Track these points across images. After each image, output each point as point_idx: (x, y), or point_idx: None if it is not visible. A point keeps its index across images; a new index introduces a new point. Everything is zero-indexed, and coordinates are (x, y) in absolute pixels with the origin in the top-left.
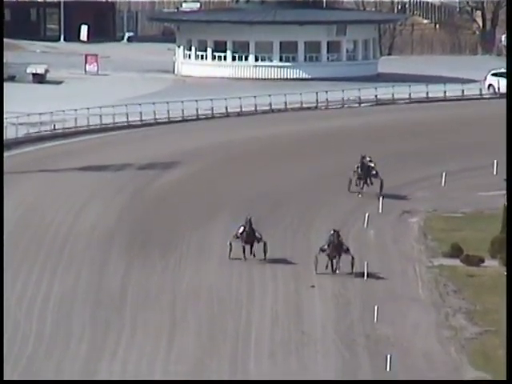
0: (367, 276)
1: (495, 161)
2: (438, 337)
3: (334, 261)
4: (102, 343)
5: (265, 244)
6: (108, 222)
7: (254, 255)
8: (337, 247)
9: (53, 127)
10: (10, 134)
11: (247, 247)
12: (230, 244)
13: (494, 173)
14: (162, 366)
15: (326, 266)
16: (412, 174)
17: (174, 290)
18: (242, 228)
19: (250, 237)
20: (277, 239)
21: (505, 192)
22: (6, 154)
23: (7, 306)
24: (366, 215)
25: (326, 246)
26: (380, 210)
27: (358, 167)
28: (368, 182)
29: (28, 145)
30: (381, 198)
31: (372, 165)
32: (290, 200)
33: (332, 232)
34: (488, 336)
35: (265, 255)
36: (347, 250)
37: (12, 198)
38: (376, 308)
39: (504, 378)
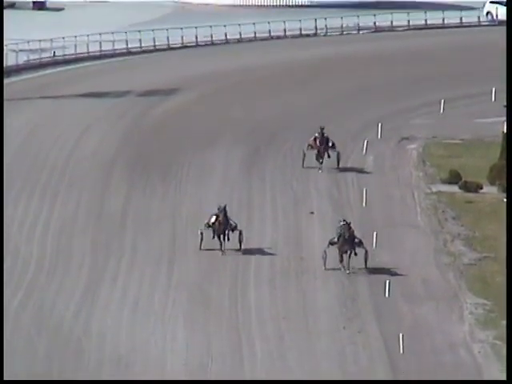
0: (366, 203)
1: (493, 88)
2: (436, 263)
3: (345, 256)
4: (102, 268)
5: (240, 233)
6: (109, 148)
7: (228, 238)
8: (348, 240)
9: (53, 54)
10: (10, 60)
11: (221, 237)
12: (201, 233)
13: (493, 99)
14: (162, 291)
15: (341, 261)
16: (411, 100)
17: (174, 214)
18: (214, 217)
19: (223, 226)
20: (277, 166)
21: (503, 119)
22: (6, 81)
23: (8, 232)
24: (365, 141)
25: (335, 239)
26: (379, 137)
27: (315, 140)
28: (327, 154)
29: (28, 72)
30: (379, 125)
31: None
32: (290, 127)
33: (342, 223)
34: (486, 262)
35: (240, 245)
36: (360, 243)
37: (13, 125)
38: (375, 234)
39: (502, 302)
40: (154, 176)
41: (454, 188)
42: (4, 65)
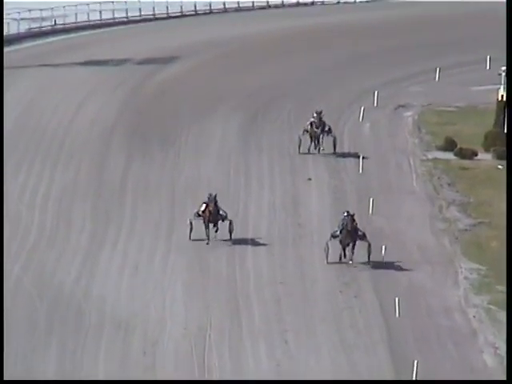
0: (362, 170)
1: (488, 56)
2: (432, 229)
3: (348, 249)
4: (102, 234)
5: (230, 223)
6: (108, 116)
7: (216, 230)
8: (351, 233)
9: (53, 23)
10: (11, 29)
11: (210, 227)
12: (191, 223)
13: (487, 68)
14: (161, 256)
15: (340, 257)
16: (406, 69)
17: (173, 181)
18: (204, 206)
19: (213, 216)
20: (274, 133)
21: (498, 86)
22: (7, 49)
23: (10, 199)
24: (362, 109)
25: (338, 232)
26: (375, 104)
27: (311, 124)
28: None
29: (29, 40)
30: (375, 93)
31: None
32: (288, 94)
33: (345, 215)
34: (481, 227)
35: (230, 235)
36: (363, 236)
37: (13, 93)
38: (371, 200)
39: (497, 268)
40: (152, 144)
41: (450, 155)
42: (6, 33)
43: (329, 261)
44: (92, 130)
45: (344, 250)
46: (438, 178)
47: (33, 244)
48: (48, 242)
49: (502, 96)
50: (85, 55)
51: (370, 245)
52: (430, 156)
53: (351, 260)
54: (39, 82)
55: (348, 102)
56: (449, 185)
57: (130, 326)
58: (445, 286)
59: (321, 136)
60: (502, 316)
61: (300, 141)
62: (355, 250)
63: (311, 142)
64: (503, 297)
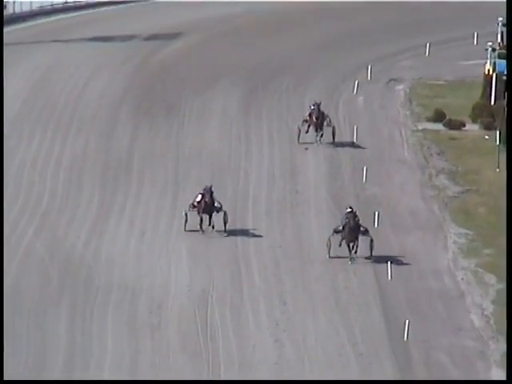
0: (356, 140)
1: (475, 32)
2: (422, 195)
3: (351, 245)
4: (110, 201)
5: (225, 214)
6: (116, 89)
7: (213, 227)
8: (354, 230)
9: (64, 0)
10: (24, 7)
11: (205, 217)
12: (186, 214)
13: (475, 43)
14: (166, 222)
15: (350, 251)
16: (398, 44)
17: (178, 151)
18: (199, 196)
19: (208, 207)
20: (274, 105)
21: (485, 61)
22: (21, 25)
23: (23, 167)
24: (356, 82)
25: (340, 227)
26: (369, 78)
27: (310, 115)
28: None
29: (41, 17)
30: (369, 67)
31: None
32: (286, 69)
33: (348, 211)
34: (469, 195)
35: (225, 226)
36: (366, 232)
37: (26, 67)
38: (365, 169)
39: (484, 233)
40: (158, 115)
41: (439, 126)
42: (19, 10)
43: (331, 255)
44: (101, 102)
45: (348, 246)
46: (428, 147)
47: (45, 210)
48: (59, 208)
49: (489, 70)
50: (94, 32)
51: (372, 240)
52: (420, 127)
53: (352, 258)
54: (51, 56)
55: (343, 76)
56: (438, 154)
57: (136, 287)
58: (434, 250)
59: (320, 126)
60: (489, 278)
61: (299, 131)
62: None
63: (314, 130)
64: (490, 260)
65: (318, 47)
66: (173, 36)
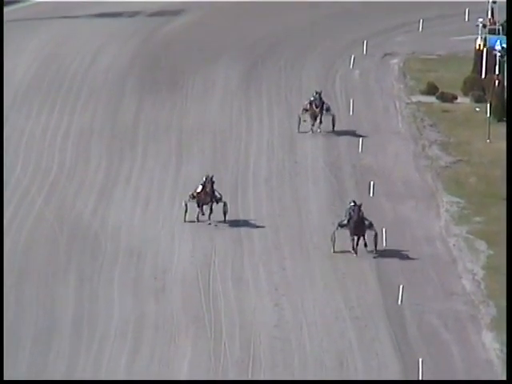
0: (352, 112)
1: (467, 9)
2: (415, 165)
3: (356, 239)
4: (116, 171)
5: (224, 204)
6: (122, 64)
7: (210, 216)
8: (358, 223)
9: None
10: None
11: (205, 208)
12: (186, 205)
13: (466, 19)
14: (170, 191)
15: (356, 245)
16: (392, 20)
17: (181, 123)
18: (200, 187)
19: (208, 197)
20: (273, 80)
21: (475, 36)
22: (29, 3)
23: (32, 139)
24: (352, 57)
25: (345, 221)
26: (364, 53)
27: (311, 103)
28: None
29: None
30: (365, 42)
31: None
32: (284, 44)
33: (352, 205)
34: (460, 165)
35: (224, 216)
36: (370, 225)
37: (37, 42)
38: (361, 140)
39: (474, 201)
40: (162, 89)
41: (432, 98)
42: None
43: (335, 250)
44: (107, 76)
45: (353, 240)
46: (421, 119)
47: (53, 179)
48: (67, 178)
49: (480, 45)
50: (100, 8)
51: (376, 234)
52: (413, 99)
53: (356, 253)
54: (59, 33)
55: (339, 50)
56: (431, 126)
57: (142, 253)
58: (427, 218)
59: (320, 115)
60: (479, 244)
61: (299, 119)
62: (360, 242)
63: (312, 121)
64: (480, 227)
65: (315, 24)
66: (176, 13)
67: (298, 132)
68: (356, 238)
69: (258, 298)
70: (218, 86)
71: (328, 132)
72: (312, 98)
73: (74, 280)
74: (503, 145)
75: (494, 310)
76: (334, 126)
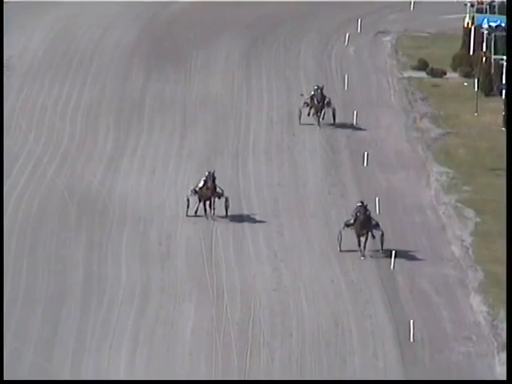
0: (347, 87)
1: None
2: (407, 137)
3: (363, 239)
4: (124, 142)
5: (226, 199)
6: (129, 41)
7: (212, 211)
8: (365, 223)
9: None
10: None
11: (206, 203)
12: (188, 200)
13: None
14: (174, 161)
15: (359, 245)
16: (385, 0)
17: (185, 97)
18: (202, 182)
19: (210, 192)
20: (272, 56)
21: (464, 15)
22: None
23: (44, 111)
24: (347, 35)
25: (351, 221)
26: (359, 31)
27: (312, 97)
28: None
29: None
30: (359, 21)
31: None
32: (282, 23)
33: (359, 205)
34: (450, 137)
35: (226, 211)
36: (377, 225)
37: (48, 20)
38: (355, 113)
39: (463, 171)
40: (167, 65)
41: (422, 74)
42: None
43: (342, 249)
44: (115, 52)
45: (359, 240)
46: (413, 93)
47: (64, 150)
48: (77, 149)
49: (468, 23)
50: None
51: (383, 234)
52: (405, 75)
53: (363, 255)
54: (68, 13)
55: (335, 28)
56: (422, 99)
57: (147, 220)
58: (418, 187)
59: (322, 109)
60: (468, 212)
61: (300, 112)
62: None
63: (314, 114)
64: (469, 196)
65: (312, 4)
66: None
67: (300, 124)
68: (363, 237)
69: (258, 264)
70: (219, 62)
71: (329, 124)
72: (313, 93)
73: (83, 246)
74: (490, 118)
75: (481, 275)
76: (334, 119)
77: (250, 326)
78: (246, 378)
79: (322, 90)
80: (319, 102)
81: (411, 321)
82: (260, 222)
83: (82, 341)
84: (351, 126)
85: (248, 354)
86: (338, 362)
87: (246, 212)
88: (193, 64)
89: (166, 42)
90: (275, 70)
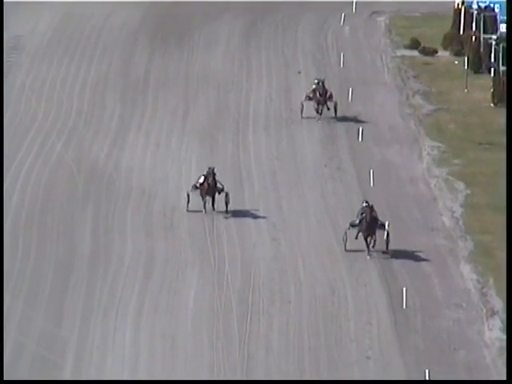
0: (343, 64)
1: None
2: (400, 113)
3: (368, 239)
4: (129, 118)
5: (226, 195)
6: (134, 21)
7: (214, 208)
8: (370, 224)
9: None
10: None
11: (208, 199)
12: (188, 195)
13: None
14: (178, 136)
15: (368, 246)
16: None
17: (188, 75)
18: (202, 178)
19: (211, 188)
20: (271, 35)
21: None
22: None
23: (53, 88)
24: (343, 15)
25: (357, 221)
26: (354, 11)
27: (314, 91)
28: (326, 106)
29: None
30: (354, 1)
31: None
32: (282, 4)
33: (365, 205)
34: (441, 112)
35: (226, 207)
36: (382, 226)
37: (53, 4)
38: (350, 90)
39: (454, 145)
40: (170, 43)
41: (415, 52)
42: None
43: (347, 249)
44: (121, 32)
45: (366, 240)
46: (405, 71)
47: (72, 125)
48: (85, 124)
49: (458, 4)
50: None
51: (388, 234)
52: (398, 53)
53: (369, 255)
54: None
55: (330, 9)
56: (414, 77)
57: (152, 192)
58: (411, 160)
59: (324, 102)
60: (458, 185)
61: (302, 106)
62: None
63: (316, 108)
64: (459, 169)
65: None
66: None
67: (302, 118)
68: (369, 238)
69: (258, 234)
70: (220, 40)
71: (331, 117)
72: (315, 86)
73: (90, 217)
74: (479, 94)
75: (471, 244)
76: (336, 112)
77: (249, 294)
78: (246, 343)
79: (323, 83)
80: (321, 96)
81: (404, 288)
82: (259, 193)
83: (89, 308)
84: (347, 103)
85: (248, 320)
86: (334, 328)
87: (245, 184)
88: (195, 42)
89: (169, 22)
90: (274, 49)
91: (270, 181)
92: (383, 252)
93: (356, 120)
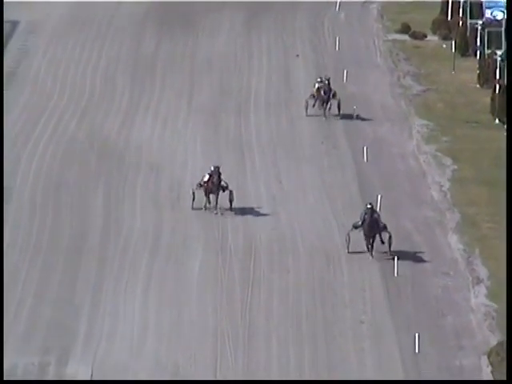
0: (338, 48)
1: None
2: (391, 93)
3: (370, 241)
4: (138, 98)
5: (231, 193)
6: (142, 10)
7: (217, 206)
8: (372, 226)
9: None
10: None
11: (212, 197)
12: (193, 193)
13: None
14: (184, 116)
15: (368, 247)
16: None
17: (193, 58)
18: (207, 176)
19: (215, 187)
20: (271, 25)
21: None
22: None
23: (67, 70)
24: (338, 2)
25: (359, 223)
26: None
27: (319, 89)
28: (329, 104)
29: None
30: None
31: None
32: None
33: (368, 207)
34: (430, 93)
35: (230, 204)
36: (384, 228)
37: None
38: (345, 72)
39: (442, 124)
40: (177, 30)
41: (405, 36)
42: None
43: (350, 250)
44: (130, 18)
45: (368, 242)
46: (397, 54)
47: (85, 106)
48: (97, 104)
49: None
50: None
51: (390, 236)
52: (390, 38)
53: (372, 255)
54: None
55: None
56: (405, 60)
57: (160, 168)
58: (402, 138)
59: (328, 100)
60: (446, 160)
61: (307, 103)
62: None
63: (321, 106)
64: (447, 146)
65: None
66: None
67: (306, 116)
68: (371, 239)
69: (259, 206)
70: (223, 28)
71: (334, 115)
72: (319, 85)
73: (102, 191)
74: (466, 76)
75: (458, 216)
76: (339, 109)
77: (251, 263)
78: (248, 309)
79: (329, 81)
80: (326, 94)
81: (395, 257)
82: (260, 168)
83: (101, 276)
84: (341, 83)
85: (250, 287)
86: (330, 295)
87: (247, 160)
88: (200, 28)
89: (175, 10)
90: (274, 34)
91: (270, 157)
92: (384, 252)
93: (350, 99)
